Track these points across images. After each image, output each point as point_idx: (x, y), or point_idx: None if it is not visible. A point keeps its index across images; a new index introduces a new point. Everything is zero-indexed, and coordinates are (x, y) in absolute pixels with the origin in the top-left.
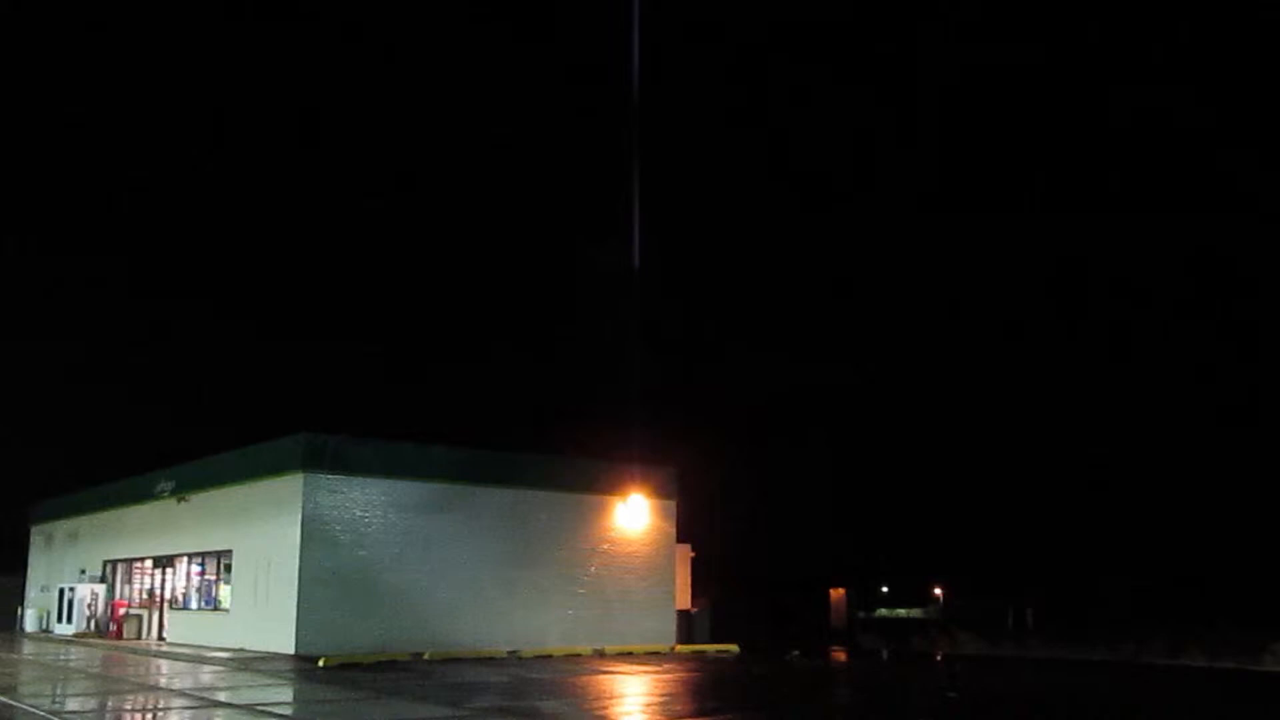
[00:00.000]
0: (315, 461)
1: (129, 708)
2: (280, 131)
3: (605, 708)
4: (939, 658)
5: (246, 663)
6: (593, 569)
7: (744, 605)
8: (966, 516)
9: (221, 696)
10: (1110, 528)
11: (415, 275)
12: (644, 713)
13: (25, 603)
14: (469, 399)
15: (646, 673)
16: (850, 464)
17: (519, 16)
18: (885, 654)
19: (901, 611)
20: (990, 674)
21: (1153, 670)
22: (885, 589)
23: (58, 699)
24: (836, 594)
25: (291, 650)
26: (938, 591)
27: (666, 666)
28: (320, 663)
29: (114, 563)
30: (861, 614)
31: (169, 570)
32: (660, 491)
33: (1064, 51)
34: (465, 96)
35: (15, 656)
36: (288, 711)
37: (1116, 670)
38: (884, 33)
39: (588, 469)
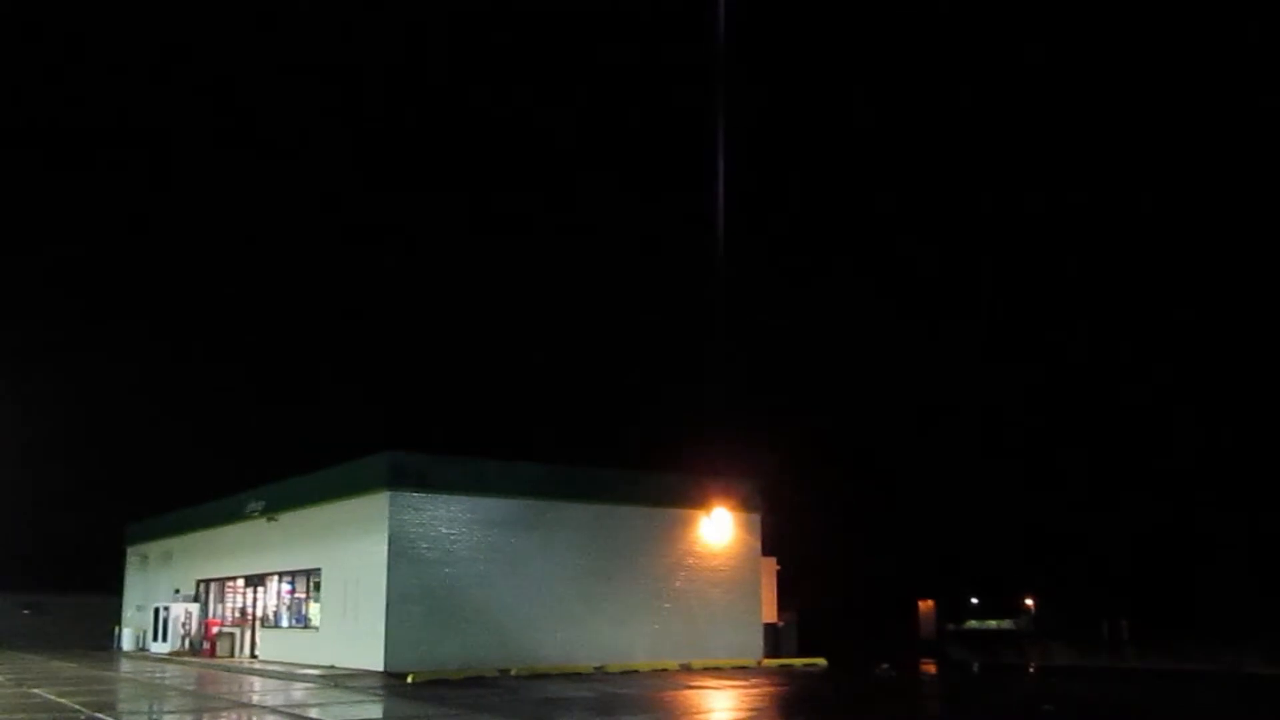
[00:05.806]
0: (400, 480)
1: None
2: (340, 135)
3: None
4: (1031, 669)
5: (337, 679)
6: (677, 583)
7: (831, 618)
8: (1058, 525)
9: (313, 713)
10: (1204, 534)
11: (488, 291)
12: None
13: (122, 622)
14: (550, 414)
15: (734, 687)
16: (939, 473)
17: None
18: (975, 666)
19: (991, 623)
20: (1086, 685)
21: (1255, 681)
22: (974, 600)
23: (154, 715)
24: (925, 605)
25: (380, 667)
26: (1029, 602)
27: (753, 681)
28: (409, 679)
29: (207, 582)
30: (950, 626)
31: (260, 589)
32: (744, 505)
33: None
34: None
35: (113, 674)
36: None
37: (1216, 681)
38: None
39: (671, 483)
